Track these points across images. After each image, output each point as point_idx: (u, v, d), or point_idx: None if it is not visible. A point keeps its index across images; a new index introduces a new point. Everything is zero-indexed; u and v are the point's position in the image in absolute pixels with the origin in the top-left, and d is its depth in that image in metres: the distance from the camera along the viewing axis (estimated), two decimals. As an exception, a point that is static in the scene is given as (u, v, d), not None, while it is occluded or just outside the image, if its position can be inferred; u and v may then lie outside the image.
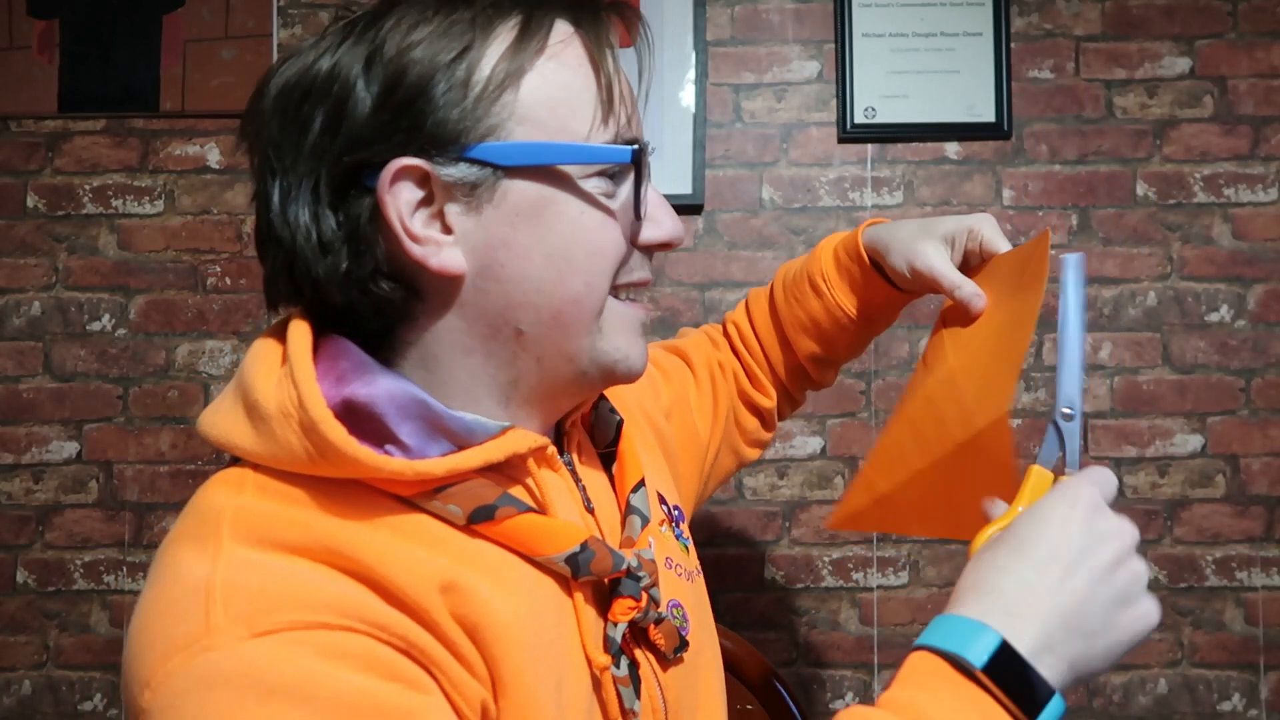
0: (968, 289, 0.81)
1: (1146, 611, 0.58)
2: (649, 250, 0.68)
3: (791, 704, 1.25)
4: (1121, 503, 1.60)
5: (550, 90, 0.61)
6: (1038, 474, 0.67)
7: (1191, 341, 1.62)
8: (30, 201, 1.66)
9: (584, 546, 0.62)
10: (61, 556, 1.62)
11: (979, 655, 0.54)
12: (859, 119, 1.64)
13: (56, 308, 1.65)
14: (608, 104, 0.63)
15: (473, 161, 0.60)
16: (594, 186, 0.63)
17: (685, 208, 1.64)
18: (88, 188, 1.66)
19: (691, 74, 1.64)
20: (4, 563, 1.62)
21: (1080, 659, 0.56)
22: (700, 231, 1.65)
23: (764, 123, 1.66)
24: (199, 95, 1.66)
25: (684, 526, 0.83)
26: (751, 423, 1.02)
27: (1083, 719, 1.58)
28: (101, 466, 1.64)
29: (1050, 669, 0.55)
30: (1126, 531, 0.59)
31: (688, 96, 1.64)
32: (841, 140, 1.65)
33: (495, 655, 0.57)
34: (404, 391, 0.60)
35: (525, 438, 0.63)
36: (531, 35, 0.61)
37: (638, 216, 0.65)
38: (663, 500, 0.81)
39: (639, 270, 0.68)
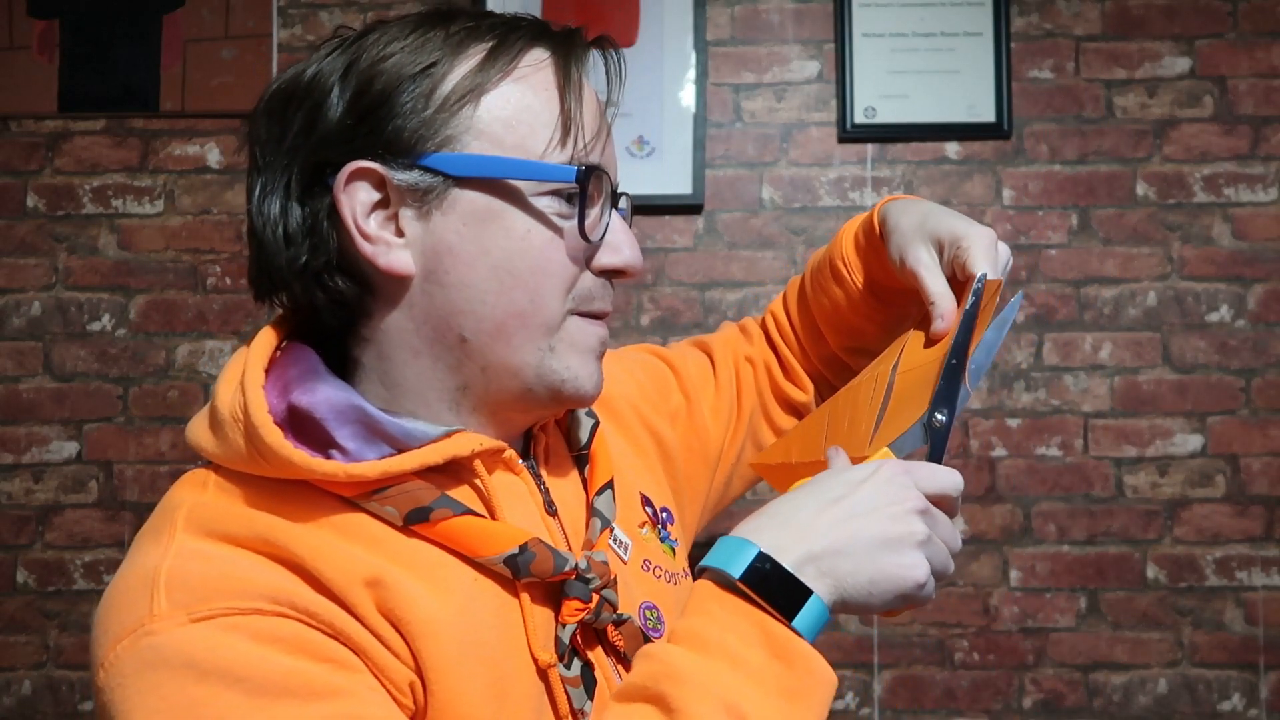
0: (942, 305, 0.74)
1: (913, 564, 0.61)
2: (607, 276, 0.70)
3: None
4: (1122, 503, 1.60)
5: (510, 109, 0.65)
6: (883, 455, 0.69)
7: (1191, 341, 1.62)
8: (30, 201, 1.66)
9: (523, 548, 0.64)
10: (61, 556, 1.62)
11: (738, 567, 0.59)
12: (859, 119, 1.64)
13: (56, 308, 1.65)
14: (567, 128, 0.66)
15: (425, 169, 0.64)
16: (546, 205, 0.66)
17: (685, 208, 1.64)
18: (88, 188, 1.66)
19: (691, 74, 1.64)
20: (4, 563, 1.62)
21: (846, 578, 0.59)
22: (700, 231, 1.65)
23: (764, 123, 1.66)
24: (199, 95, 1.66)
25: (672, 529, 0.83)
26: (786, 420, 0.99)
27: (1083, 719, 1.58)
28: (101, 466, 1.64)
29: (813, 579, 0.59)
30: (915, 499, 0.63)
31: (688, 96, 1.64)
32: (841, 140, 1.65)
33: (420, 650, 0.60)
34: (342, 398, 0.64)
35: (469, 441, 0.66)
36: (499, 57, 0.65)
37: (583, 237, 0.66)
38: (648, 502, 0.81)
39: (599, 300, 0.70)
